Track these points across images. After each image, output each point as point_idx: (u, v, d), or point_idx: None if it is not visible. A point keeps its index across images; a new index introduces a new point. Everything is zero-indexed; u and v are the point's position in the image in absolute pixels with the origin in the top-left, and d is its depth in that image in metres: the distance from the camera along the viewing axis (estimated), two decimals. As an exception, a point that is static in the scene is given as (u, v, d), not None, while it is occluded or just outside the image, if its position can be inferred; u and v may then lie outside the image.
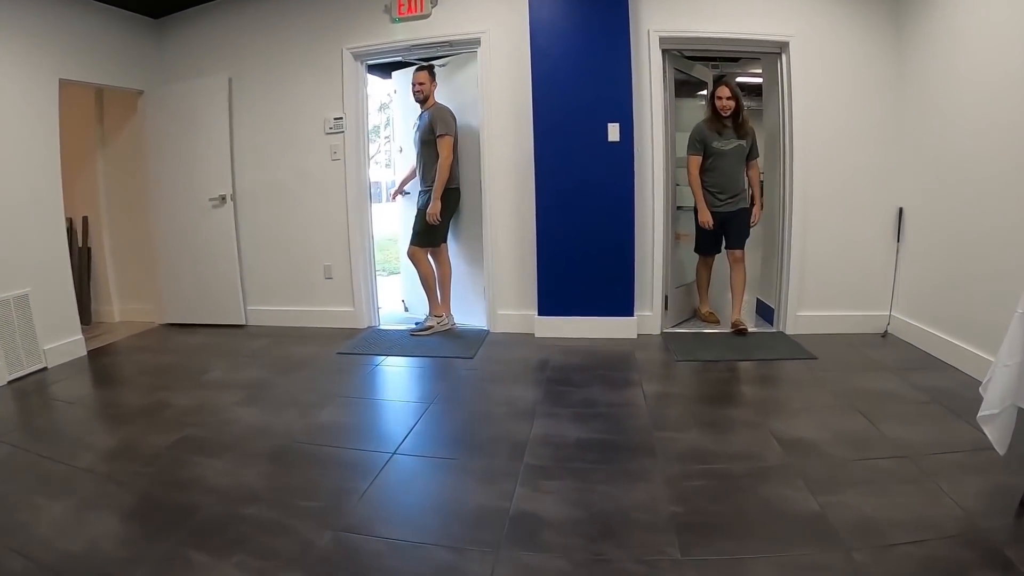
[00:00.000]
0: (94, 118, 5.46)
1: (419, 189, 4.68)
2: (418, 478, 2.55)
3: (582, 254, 4.37)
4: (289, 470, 2.59)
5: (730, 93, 4.32)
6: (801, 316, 4.47)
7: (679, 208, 4.84)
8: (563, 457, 2.62)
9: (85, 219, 5.52)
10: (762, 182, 4.69)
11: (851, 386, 3.34)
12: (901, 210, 4.31)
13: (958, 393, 3.13)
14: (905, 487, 2.26)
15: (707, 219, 4.41)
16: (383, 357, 4.19)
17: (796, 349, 4.05)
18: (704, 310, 4.85)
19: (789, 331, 4.45)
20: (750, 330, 4.47)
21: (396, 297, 5.77)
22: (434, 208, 4.42)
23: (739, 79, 5.08)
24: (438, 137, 4.39)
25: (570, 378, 3.62)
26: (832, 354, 3.94)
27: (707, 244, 4.63)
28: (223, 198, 5.11)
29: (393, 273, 7.41)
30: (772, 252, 4.69)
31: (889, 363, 3.74)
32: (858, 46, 4.29)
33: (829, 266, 4.44)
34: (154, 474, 2.58)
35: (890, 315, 4.38)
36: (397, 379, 3.94)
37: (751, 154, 4.50)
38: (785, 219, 4.47)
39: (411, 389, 3.78)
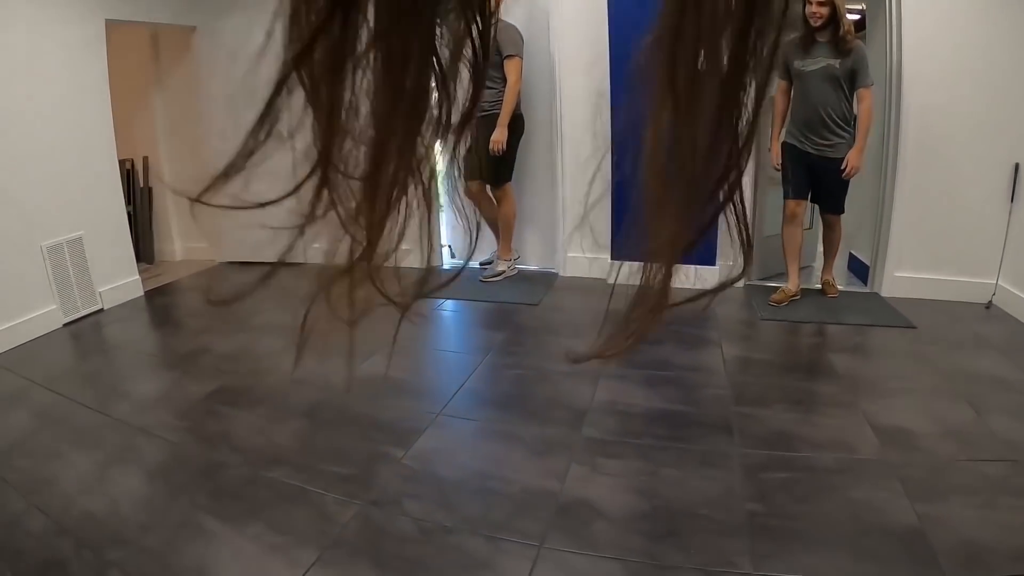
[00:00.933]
0: (150, 58, 5.34)
1: (482, 112, 4.30)
2: (461, 446, 2.31)
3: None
4: (322, 429, 2.42)
5: None
6: (899, 277, 3.97)
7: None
8: (627, 430, 2.33)
9: (145, 159, 5.48)
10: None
11: (954, 366, 2.91)
12: (1017, 166, 3.74)
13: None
14: (1016, 501, 1.89)
15: (773, 153, 3.76)
16: (443, 301, 3.93)
17: (893, 315, 3.59)
18: (790, 287, 3.88)
19: (884, 293, 3.98)
20: (840, 289, 4.00)
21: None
22: (500, 135, 4.01)
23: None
24: (506, 58, 3.96)
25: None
26: (932, 324, 3.48)
27: (792, 184, 3.77)
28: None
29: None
30: (871, 203, 4.14)
31: (996, 341, 3.27)
32: None
33: (933, 224, 3.92)
34: (184, 428, 2.47)
35: (996, 284, 3.85)
36: (453, 326, 3.71)
37: (856, 80, 3.51)
38: (888, 168, 3.93)
39: (467, 339, 3.56)
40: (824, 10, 3.38)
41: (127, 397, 2.78)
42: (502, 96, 3.98)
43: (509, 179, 4.22)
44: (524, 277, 4.35)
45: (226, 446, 2.29)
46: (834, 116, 3.57)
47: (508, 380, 2.84)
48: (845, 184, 3.65)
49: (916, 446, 2.19)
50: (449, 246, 5.10)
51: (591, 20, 3.93)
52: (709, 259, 3.90)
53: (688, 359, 2.99)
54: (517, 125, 4.15)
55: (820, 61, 3.54)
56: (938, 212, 3.88)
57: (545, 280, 4.28)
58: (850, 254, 4.53)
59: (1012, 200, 3.76)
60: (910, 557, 1.65)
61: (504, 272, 4.29)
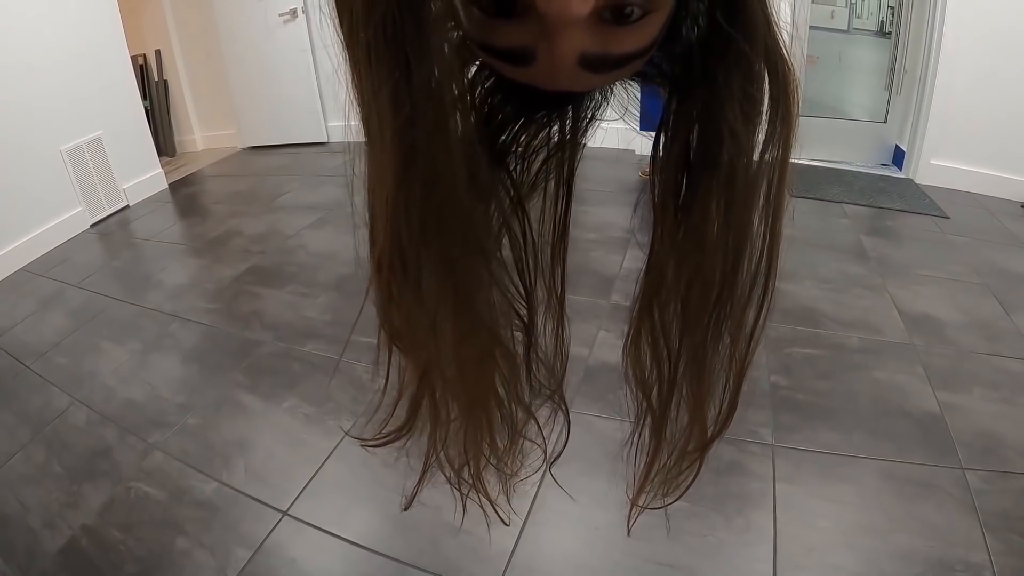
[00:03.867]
0: (156, -51, 5.10)
1: None
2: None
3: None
4: (351, 301, 2.43)
5: None
6: (935, 165, 3.84)
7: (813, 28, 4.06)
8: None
9: (158, 52, 5.35)
10: None
11: (984, 260, 2.85)
12: None
13: None
14: (1034, 402, 1.88)
15: None
16: None
17: (926, 203, 3.49)
18: None
19: (919, 180, 3.86)
20: (872, 172, 3.86)
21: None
22: None
23: None
24: None
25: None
26: (965, 216, 3.39)
27: None
28: (293, 12, 4.74)
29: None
30: (909, 84, 3.92)
31: None
32: None
33: (974, 113, 3.70)
34: (217, 310, 2.52)
35: None
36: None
37: None
38: (931, 51, 3.69)
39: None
40: None
41: (159, 287, 2.82)
42: None
43: None
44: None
45: (259, 324, 2.34)
46: None
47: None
48: None
49: (941, 334, 2.17)
50: None
51: None
52: None
53: (717, 231, 2.95)
54: None
55: None
56: (979, 99, 3.66)
57: (572, 149, 4.15)
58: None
59: None
60: (928, 441, 1.67)
61: None
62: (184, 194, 4.31)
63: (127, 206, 4.07)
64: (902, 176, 3.95)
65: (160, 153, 5.32)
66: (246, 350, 2.18)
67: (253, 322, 2.36)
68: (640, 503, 0.60)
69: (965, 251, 2.90)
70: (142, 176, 4.26)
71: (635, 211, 2.59)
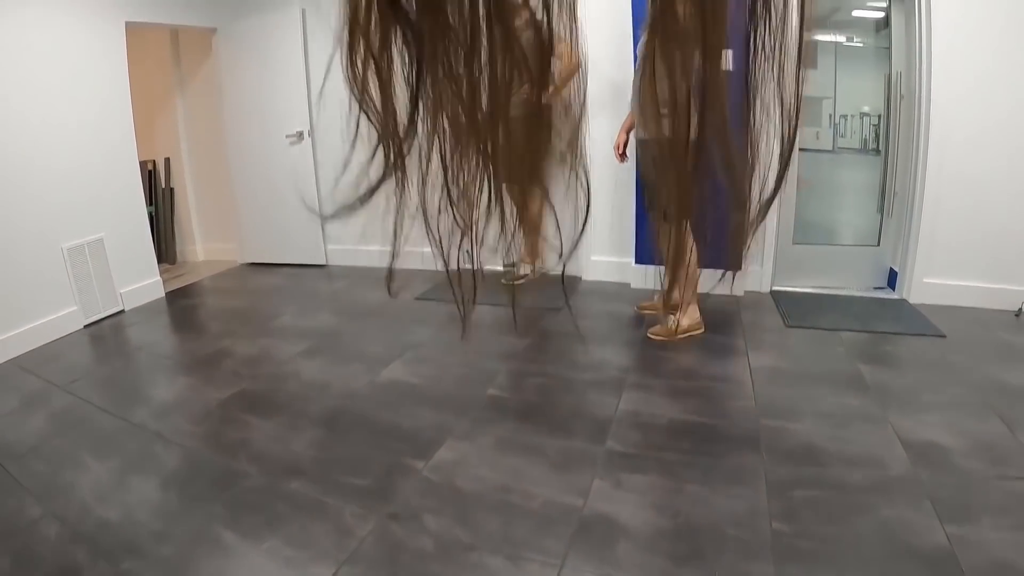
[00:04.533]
0: (171, 59, 5.40)
1: None
2: (482, 458, 2.25)
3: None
4: (342, 438, 2.39)
5: None
6: (928, 284, 3.87)
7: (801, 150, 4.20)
8: (652, 443, 2.27)
9: (167, 160, 5.55)
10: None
11: (985, 377, 2.83)
12: None
13: None
14: (1051, 524, 1.82)
15: (617, 142, 3.57)
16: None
17: (922, 323, 3.50)
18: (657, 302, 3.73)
19: (913, 300, 3.88)
20: (861, 296, 3.90)
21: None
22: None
23: (858, 12, 4.10)
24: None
25: (667, 340, 3.24)
26: (962, 333, 3.38)
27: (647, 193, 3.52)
28: (300, 134, 4.92)
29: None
30: (900, 206, 4.02)
31: None
32: None
33: (963, 229, 3.79)
34: (202, 434, 2.46)
35: None
36: (474, 332, 3.66)
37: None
38: (918, 170, 3.82)
39: (488, 345, 3.48)
40: None
41: (146, 401, 2.78)
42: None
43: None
44: (547, 281, 4.30)
45: (244, 454, 2.27)
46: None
47: (531, 389, 2.79)
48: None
49: (947, 463, 2.11)
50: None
51: (616, 16, 3.86)
52: (735, 265, 3.88)
53: (714, 369, 2.93)
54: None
55: None
56: (968, 215, 3.76)
57: (568, 284, 4.25)
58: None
59: None
60: (940, 580, 1.58)
61: (528, 275, 4.26)
62: (180, 305, 4.33)
63: (122, 311, 4.09)
64: (896, 297, 3.97)
65: (161, 259, 5.40)
66: (228, 481, 2.11)
67: (238, 452, 2.29)
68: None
69: (965, 371, 2.87)
70: (140, 282, 4.31)
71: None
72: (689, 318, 3.29)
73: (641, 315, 3.60)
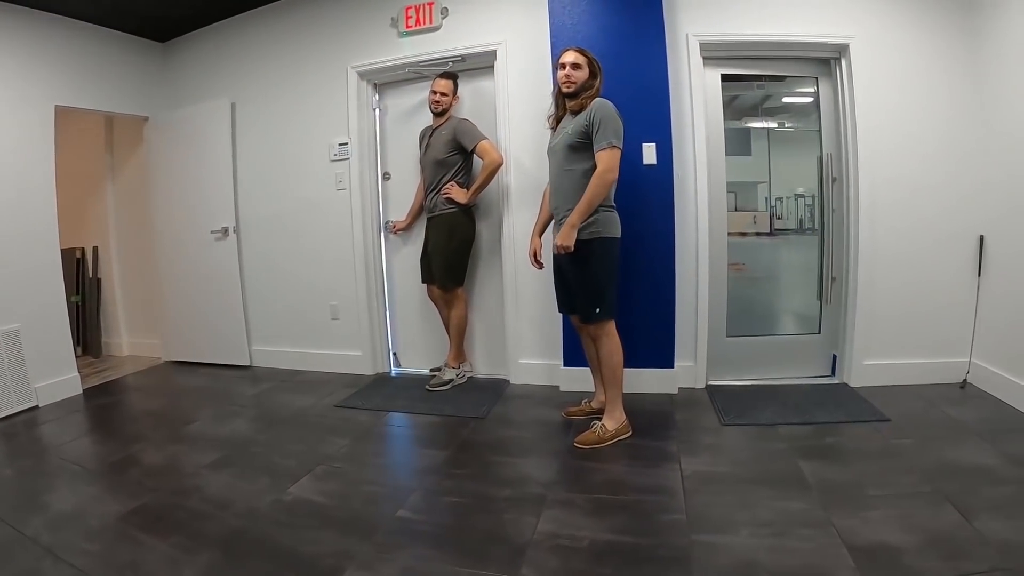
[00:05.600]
0: (104, 146, 5.29)
1: (430, 214, 4.07)
2: (385, 594, 2.02)
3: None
4: (236, 565, 2.14)
5: (576, 58, 3.04)
6: (869, 366, 3.82)
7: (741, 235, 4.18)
8: (571, 570, 2.05)
9: (96, 249, 5.38)
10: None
11: (934, 460, 2.72)
12: (982, 239, 3.66)
13: None
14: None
15: (530, 249, 3.46)
16: (385, 413, 3.69)
17: (864, 408, 3.39)
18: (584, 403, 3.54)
19: (854, 383, 3.81)
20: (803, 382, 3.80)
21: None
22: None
23: (787, 99, 4.26)
24: (478, 144, 3.84)
25: (595, 448, 3.02)
26: (906, 414, 3.30)
27: (556, 291, 3.33)
28: (225, 230, 4.77)
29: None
30: (837, 289, 3.99)
31: (974, 425, 3.12)
32: (930, 47, 3.69)
33: (900, 307, 3.80)
34: (95, 552, 2.23)
35: (970, 362, 3.74)
36: (392, 444, 3.46)
37: (593, 142, 2.91)
38: (850, 252, 3.82)
39: (404, 459, 3.30)
40: (579, 73, 3.02)
41: (44, 510, 2.55)
42: (451, 197, 3.90)
43: (459, 283, 4.05)
44: (474, 386, 4.12)
45: (133, 578, 2.02)
46: (570, 193, 2.98)
47: (445, 509, 2.54)
48: (589, 280, 3.02)
49: (898, 565, 1.95)
50: (395, 353, 4.74)
51: (540, 112, 3.79)
52: (666, 360, 3.74)
53: (643, 479, 2.72)
54: (466, 226, 4.03)
55: (561, 132, 3.10)
56: (904, 293, 3.78)
57: (495, 389, 4.03)
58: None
59: (980, 273, 3.65)
60: None
61: (453, 380, 4.07)
62: (97, 404, 4.09)
63: (37, 406, 3.88)
64: (836, 382, 3.89)
65: (85, 352, 5.16)
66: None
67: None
68: None
69: (912, 456, 2.76)
70: (57, 377, 4.09)
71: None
72: (616, 422, 3.11)
73: (569, 421, 3.40)
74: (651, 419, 3.35)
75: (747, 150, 4.03)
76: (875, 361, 3.80)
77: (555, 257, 3.14)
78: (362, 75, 4.34)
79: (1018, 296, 3.39)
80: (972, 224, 3.70)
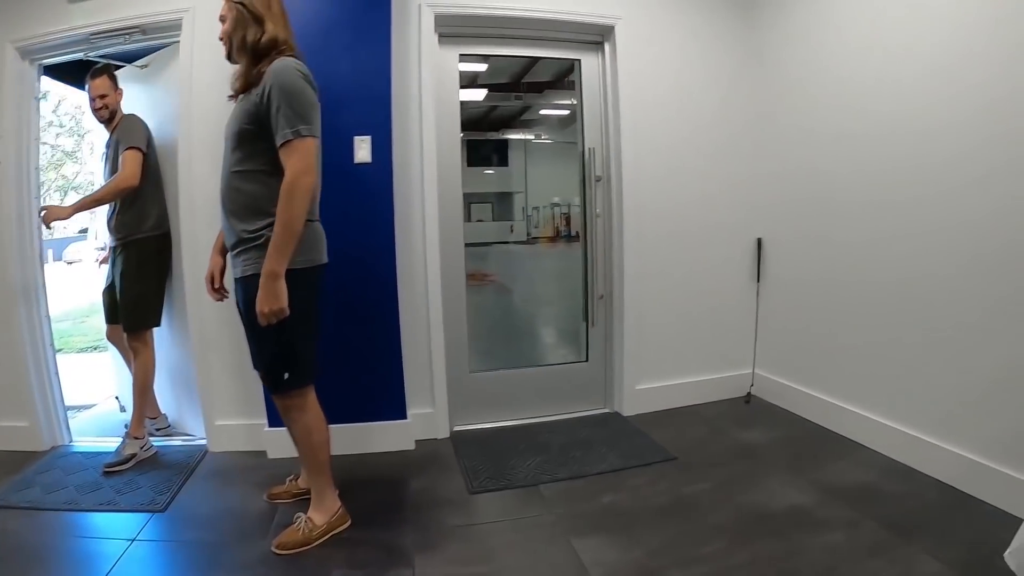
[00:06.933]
0: None
1: (116, 239, 3.04)
2: None
3: (322, 333, 2.68)
4: None
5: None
6: (642, 391, 3.38)
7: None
8: None
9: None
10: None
11: (740, 509, 2.28)
12: (760, 241, 3.38)
13: (881, 489, 2.38)
14: None
15: (207, 273, 2.41)
16: (36, 514, 2.48)
17: (643, 446, 2.90)
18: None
19: (627, 411, 3.35)
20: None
21: (109, 389, 4.06)
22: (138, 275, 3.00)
23: (544, 111, 3.80)
24: (123, 151, 2.90)
25: (299, 553, 2.13)
26: (693, 446, 2.88)
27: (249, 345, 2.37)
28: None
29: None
30: (602, 310, 3.47)
31: (770, 448, 2.82)
32: (710, 32, 3.41)
33: (674, 322, 3.44)
34: None
35: (753, 374, 3.52)
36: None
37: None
38: (614, 266, 3.36)
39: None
40: (226, 27, 2.12)
41: None
42: (136, 221, 2.98)
43: (148, 325, 3.05)
44: (161, 460, 3.01)
45: None
46: (240, 210, 2.07)
47: None
48: (273, 332, 2.01)
49: None
50: (118, 398, 3.76)
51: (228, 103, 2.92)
52: (396, 410, 2.62)
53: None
54: (158, 254, 3.09)
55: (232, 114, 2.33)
56: (678, 306, 3.43)
57: (188, 459, 2.98)
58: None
59: (759, 279, 3.29)
60: None
61: (136, 456, 2.96)
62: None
63: None
64: (607, 411, 3.42)
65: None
66: None
67: None
68: None
69: (712, 508, 2.30)
70: None
71: None
72: (326, 513, 2.25)
73: (274, 506, 2.49)
74: (377, 496, 2.53)
75: (505, 160, 3.63)
76: (650, 384, 3.40)
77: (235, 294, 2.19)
78: (24, 52, 3.26)
79: (793, 301, 3.24)
80: (750, 226, 3.47)
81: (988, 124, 2.21)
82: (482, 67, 3.43)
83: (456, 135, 3.21)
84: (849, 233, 2.89)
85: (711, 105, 3.41)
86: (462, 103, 3.24)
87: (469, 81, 3.36)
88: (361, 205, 2.83)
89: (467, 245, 3.32)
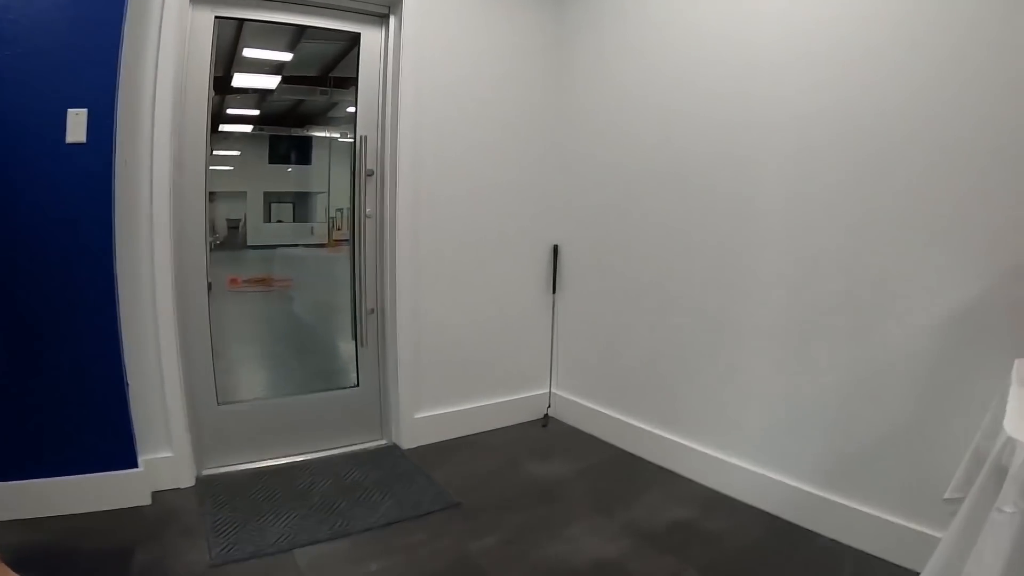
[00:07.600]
0: None
1: None
2: None
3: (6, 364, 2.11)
4: None
5: None
6: (422, 419, 2.98)
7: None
8: None
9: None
10: None
11: (535, 570, 1.93)
12: (556, 248, 3.23)
13: (702, 527, 2.17)
14: None
15: None
16: None
17: (423, 489, 2.49)
18: None
19: (406, 444, 2.93)
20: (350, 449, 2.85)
21: None
22: None
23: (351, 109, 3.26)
24: None
25: None
26: (482, 486, 2.53)
27: None
28: None
29: None
30: (372, 327, 3.01)
31: (573, 486, 2.52)
32: (517, 17, 3.13)
33: (461, 339, 3.09)
34: None
35: (551, 393, 3.30)
36: None
37: None
38: (386, 275, 2.95)
39: None
40: None
41: None
42: None
43: None
44: None
45: None
46: None
47: None
48: None
49: None
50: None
51: None
52: (124, 457, 2.38)
53: None
54: None
55: None
56: (462, 322, 3.09)
57: None
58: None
59: (555, 290, 3.20)
60: None
61: None
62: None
63: None
64: (384, 443, 2.98)
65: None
66: None
67: None
68: None
69: (496, 565, 1.94)
70: None
71: None
72: None
73: None
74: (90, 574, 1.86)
75: (308, 159, 3.27)
76: (432, 412, 3.02)
77: None
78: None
79: (593, 314, 3.06)
80: (547, 231, 3.24)
81: (807, 128, 2.15)
82: (287, 56, 2.94)
83: (203, 114, 2.57)
84: (649, 243, 2.74)
85: (512, 96, 3.11)
86: (261, 93, 2.85)
87: (273, 69, 2.94)
88: (71, 196, 2.12)
89: (254, 247, 2.92)
